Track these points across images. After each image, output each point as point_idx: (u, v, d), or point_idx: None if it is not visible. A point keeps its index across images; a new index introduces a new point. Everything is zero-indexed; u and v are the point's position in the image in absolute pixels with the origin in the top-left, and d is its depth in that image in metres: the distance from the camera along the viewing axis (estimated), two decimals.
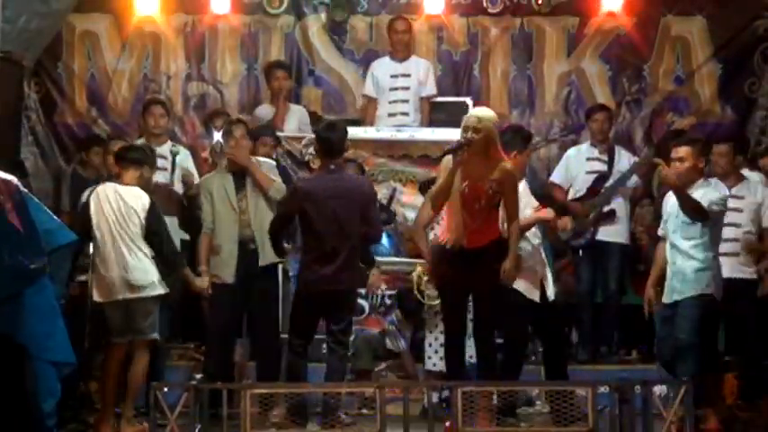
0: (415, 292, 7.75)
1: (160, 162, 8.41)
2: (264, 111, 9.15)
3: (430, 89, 9.36)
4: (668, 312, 6.96)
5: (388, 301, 8.29)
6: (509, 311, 6.92)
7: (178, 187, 8.30)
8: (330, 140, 6.90)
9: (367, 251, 7.36)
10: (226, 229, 7.42)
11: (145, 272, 7.02)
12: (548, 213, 7.09)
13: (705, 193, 6.79)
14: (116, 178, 7.22)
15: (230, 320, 7.48)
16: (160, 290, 7.05)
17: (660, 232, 7.12)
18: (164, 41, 9.99)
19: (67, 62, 9.90)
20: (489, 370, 6.76)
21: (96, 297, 7.05)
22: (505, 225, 6.68)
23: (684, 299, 6.83)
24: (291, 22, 10.06)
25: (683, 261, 6.84)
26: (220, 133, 7.95)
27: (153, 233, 7.11)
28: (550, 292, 7.11)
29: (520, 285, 6.95)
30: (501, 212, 6.71)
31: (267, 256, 7.37)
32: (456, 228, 6.56)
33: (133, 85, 9.95)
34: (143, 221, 7.06)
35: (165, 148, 8.46)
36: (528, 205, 7.00)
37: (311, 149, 7.53)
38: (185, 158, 8.61)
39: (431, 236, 7.48)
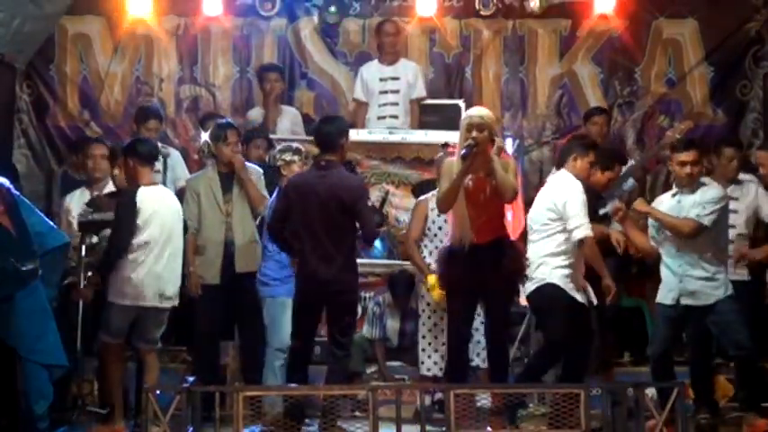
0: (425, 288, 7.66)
1: None
2: (256, 113, 9.18)
3: (419, 91, 9.37)
4: (672, 313, 7.04)
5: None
6: (552, 311, 6.85)
7: (170, 189, 8.32)
8: (320, 133, 6.84)
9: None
10: (211, 231, 7.40)
11: (174, 283, 7.00)
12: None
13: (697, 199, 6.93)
14: (134, 180, 7.00)
15: (216, 322, 7.47)
16: (176, 301, 7.04)
17: (652, 242, 7.19)
18: (156, 44, 9.98)
19: (60, 64, 9.88)
20: (503, 372, 6.73)
21: (117, 299, 6.89)
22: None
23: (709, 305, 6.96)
24: (284, 24, 10.05)
25: (692, 269, 6.96)
26: (207, 134, 7.96)
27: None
28: (593, 296, 6.92)
29: (567, 285, 6.83)
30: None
31: (244, 263, 7.39)
32: (462, 224, 6.55)
33: (125, 88, 9.93)
34: (181, 220, 7.07)
35: None
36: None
37: (285, 155, 7.44)
38: (176, 160, 8.64)
39: (424, 252, 7.49)
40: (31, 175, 9.61)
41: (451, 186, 6.52)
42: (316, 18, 10.01)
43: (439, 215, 7.32)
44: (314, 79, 10.09)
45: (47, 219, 6.77)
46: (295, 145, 7.55)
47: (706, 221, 6.89)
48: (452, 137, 7.17)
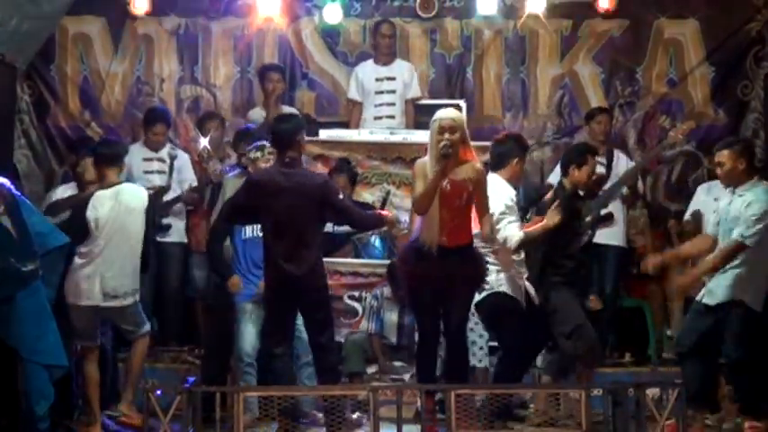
0: None
1: (159, 165, 8.51)
2: (257, 114, 9.17)
3: (415, 91, 9.42)
4: (695, 307, 7.11)
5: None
6: (503, 320, 6.94)
7: (176, 191, 8.37)
8: (276, 132, 6.85)
9: (331, 239, 7.38)
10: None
11: (127, 282, 7.02)
12: (552, 219, 7.00)
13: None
14: (98, 182, 7.15)
15: (230, 321, 7.49)
16: (132, 300, 7.06)
17: (711, 230, 7.23)
18: (156, 44, 9.96)
19: (60, 65, 9.86)
20: (461, 373, 6.69)
21: (72, 300, 6.98)
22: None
23: (720, 304, 6.94)
24: (285, 24, 10.04)
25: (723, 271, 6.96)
26: (207, 139, 7.99)
27: (148, 228, 7.14)
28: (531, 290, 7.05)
29: (515, 291, 6.92)
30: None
31: None
32: (432, 226, 6.53)
33: (126, 88, 9.90)
34: (143, 219, 7.06)
35: (163, 152, 8.57)
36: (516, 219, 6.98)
37: (249, 153, 7.46)
38: (184, 162, 8.67)
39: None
40: (31, 176, 9.60)
41: (428, 189, 6.52)
42: (316, 18, 10.00)
43: None
44: (314, 79, 10.08)
45: (47, 219, 6.78)
46: (260, 142, 7.54)
47: (749, 242, 6.86)
48: None
